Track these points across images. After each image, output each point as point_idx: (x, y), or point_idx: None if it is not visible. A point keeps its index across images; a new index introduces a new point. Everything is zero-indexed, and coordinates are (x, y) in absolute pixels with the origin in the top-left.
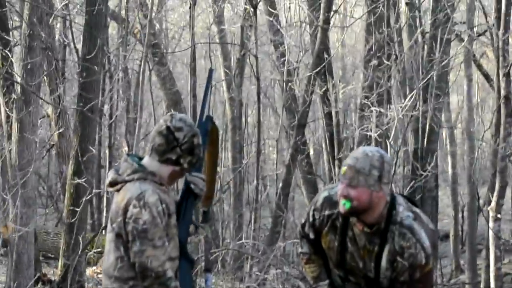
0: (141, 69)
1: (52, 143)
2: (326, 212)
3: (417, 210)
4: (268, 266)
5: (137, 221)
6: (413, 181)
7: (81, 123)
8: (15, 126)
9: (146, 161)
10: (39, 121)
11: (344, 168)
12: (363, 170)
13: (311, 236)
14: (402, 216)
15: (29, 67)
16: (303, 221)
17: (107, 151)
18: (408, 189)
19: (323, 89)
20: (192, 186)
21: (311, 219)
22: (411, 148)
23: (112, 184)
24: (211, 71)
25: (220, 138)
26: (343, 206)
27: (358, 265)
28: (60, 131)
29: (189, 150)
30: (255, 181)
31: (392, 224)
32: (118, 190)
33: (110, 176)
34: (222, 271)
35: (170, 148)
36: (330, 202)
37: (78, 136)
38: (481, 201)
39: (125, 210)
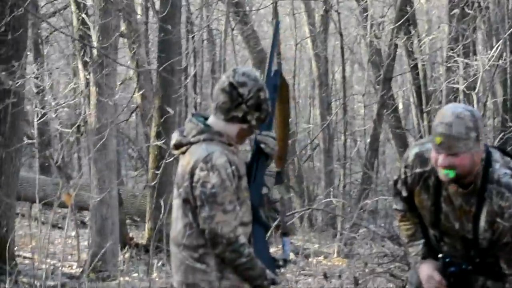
0: (224, 28)
1: (135, 105)
2: (417, 170)
3: None
4: (355, 225)
5: (205, 185)
6: (503, 133)
7: (161, 84)
8: (93, 89)
9: (211, 120)
10: (118, 84)
11: (438, 138)
12: (460, 135)
13: (404, 193)
14: (499, 174)
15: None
16: (395, 177)
17: (193, 111)
18: (498, 141)
19: (408, 42)
20: (263, 145)
21: (403, 176)
22: (500, 100)
23: (177, 146)
24: (277, 23)
25: (290, 93)
26: (447, 175)
27: (454, 226)
28: (141, 92)
29: (256, 105)
30: (342, 137)
31: (489, 183)
32: (183, 153)
33: (174, 138)
34: (309, 230)
35: (235, 105)
36: (421, 159)
37: (159, 98)
38: None
39: (192, 173)
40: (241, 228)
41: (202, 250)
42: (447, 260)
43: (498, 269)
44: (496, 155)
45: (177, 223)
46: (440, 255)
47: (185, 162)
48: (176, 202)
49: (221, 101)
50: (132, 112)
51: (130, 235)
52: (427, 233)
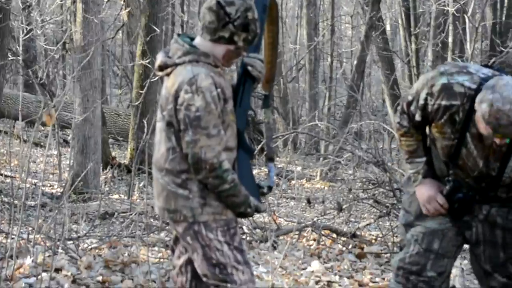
0: None
1: (121, 23)
2: (443, 102)
3: None
4: (340, 149)
5: (189, 107)
6: (494, 58)
7: (148, 2)
8: (79, 6)
9: (197, 41)
10: (104, 1)
11: (500, 136)
12: None
13: (417, 117)
14: None
15: None
16: (410, 98)
17: (179, 31)
18: (486, 64)
19: None
20: (250, 68)
21: (421, 101)
22: (489, 23)
23: (162, 67)
24: None
25: (279, 14)
26: (502, 140)
27: (476, 163)
28: (127, 10)
29: (244, 25)
30: (329, 58)
31: None
32: (168, 74)
33: (159, 59)
34: (292, 152)
35: (221, 24)
36: (450, 92)
37: (146, 16)
38: None
39: (176, 96)
40: (226, 154)
41: (185, 176)
42: (456, 184)
43: (504, 198)
44: None
45: (160, 146)
46: (449, 178)
47: (169, 84)
48: (159, 125)
49: (208, 20)
50: (118, 30)
51: (113, 154)
52: (430, 152)
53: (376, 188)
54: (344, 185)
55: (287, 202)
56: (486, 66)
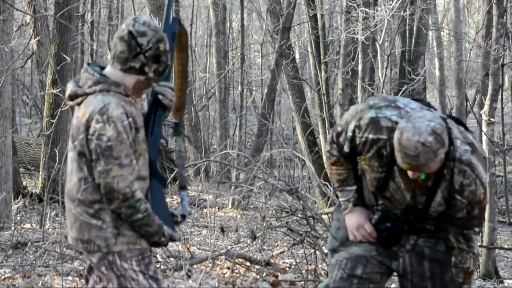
0: None
1: (31, 51)
2: (371, 136)
3: (472, 139)
4: (253, 178)
5: (101, 137)
6: (405, 86)
7: (58, 30)
8: None
9: (108, 70)
10: (14, 29)
11: (407, 166)
12: (429, 160)
13: (346, 149)
14: (460, 152)
15: None
16: (339, 129)
17: (89, 60)
18: (395, 92)
19: None
20: (160, 97)
21: (350, 133)
22: (399, 51)
23: (72, 97)
24: None
25: (189, 42)
26: (417, 176)
27: (404, 196)
28: (37, 39)
29: (155, 57)
30: (239, 87)
31: (450, 161)
32: (79, 104)
33: (69, 88)
34: (204, 181)
35: (132, 55)
36: (377, 125)
37: (56, 45)
38: (469, 103)
39: (87, 126)
40: (138, 183)
41: (98, 206)
42: (385, 214)
43: (432, 230)
44: (455, 130)
45: (72, 177)
46: (378, 208)
47: (80, 114)
48: (71, 155)
49: (119, 50)
50: (28, 59)
51: (24, 184)
52: (361, 181)
53: (289, 216)
54: (257, 213)
55: (199, 231)
56: (416, 100)
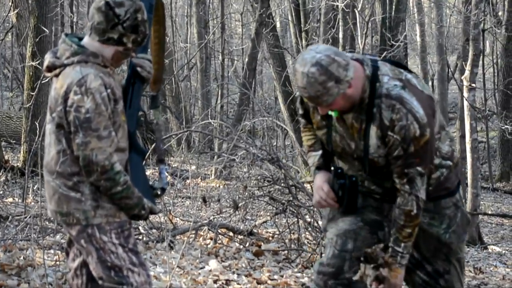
0: None
1: (10, 24)
2: None
3: (408, 75)
4: (234, 147)
5: (79, 109)
6: (385, 52)
7: (37, 2)
8: None
9: (86, 41)
10: None
11: (304, 99)
12: (318, 93)
13: (300, 111)
14: (388, 87)
15: None
16: (297, 94)
17: (69, 31)
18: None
19: None
20: (139, 69)
21: (297, 94)
22: (379, 18)
23: (50, 68)
24: None
25: (166, 14)
26: (334, 116)
27: (349, 146)
28: (16, 11)
29: (133, 27)
30: (220, 56)
31: (377, 98)
32: (57, 75)
33: (47, 59)
34: (186, 151)
35: (110, 26)
36: None
37: (35, 17)
38: (450, 69)
39: (65, 97)
40: (117, 155)
41: (77, 178)
42: (338, 171)
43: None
44: (385, 68)
45: (50, 149)
46: (332, 167)
47: (58, 85)
48: (49, 127)
49: (96, 21)
50: (7, 32)
51: (6, 157)
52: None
53: (271, 185)
54: (240, 183)
55: (182, 202)
56: (391, 62)
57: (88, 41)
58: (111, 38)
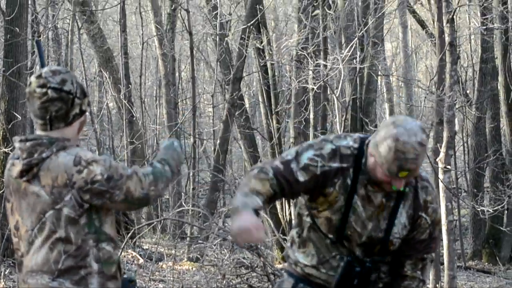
0: (70, 28)
1: None
2: (336, 165)
3: None
4: (211, 234)
5: (95, 178)
6: (356, 132)
7: (8, 87)
8: None
9: (49, 134)
10: None
11: (404, 173)
12: (422, 160)
13: (300, 177)
14: None
15: None
16: (288, 158)
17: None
18: None
19: (259, 42)
20: None
21: (306, 161)
22: (349, 98)
23: (26, 171)
24: (38, 42)
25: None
26: (402, 180)
27: (365, 227)
28: None
29: (82, 91)
30: (191, 138)
31: None
32: (33, 177)
33: (18, 164)
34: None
35: (70, 104)
36: (340, 154)
37: (6, 102)
38: None
39: (72, 184)
40: (109, 245)
41: (84, 271)
42: (349, 259)
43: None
44: None
45: (42, 251)
46: (340, 257)
47: (48, 181)
48: (36, 233)
49: (54, 110)
50: None
51: None
52: (310, 239)
53: (249, 272)
54: (217, 270)
55: (155, 285)
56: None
57: (50, 133)
58: (75, 114)
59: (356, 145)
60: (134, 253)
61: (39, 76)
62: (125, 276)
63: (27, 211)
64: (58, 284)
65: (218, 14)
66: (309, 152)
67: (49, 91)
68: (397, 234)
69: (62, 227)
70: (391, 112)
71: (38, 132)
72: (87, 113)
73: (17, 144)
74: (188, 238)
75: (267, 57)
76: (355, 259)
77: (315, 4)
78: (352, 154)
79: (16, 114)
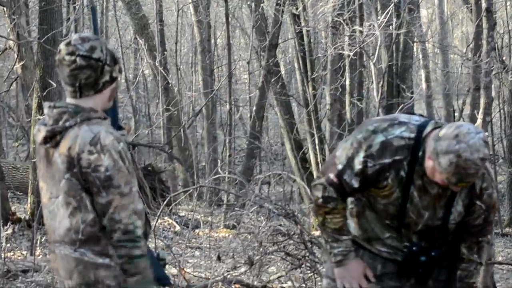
0: None
1: (15, 76)
2: (387, 161)
3: None
4: (248, 201)
5: (98, 168)
6: (393, 99)
7: (43, 55)
8: None
9: (77, 102)
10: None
11: (464, 184)
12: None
13: (355, 184)
14: None
15: None
16: (339, 167)
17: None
18: (386, 106)
19: (295, 8)
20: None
21: (359, 166)
22: (385, 65)
23: (49, 137)
24: (93, 9)
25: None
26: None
27: (421, 216)
28: (22, 63)
29: (113, 58)
30: (227, 105)
31: None
32: (56, 144)
33: (42, 131)
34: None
35: (100, 72)
36: (391, 148)
37: (41, 69)
38: (456, 114)
39: (79, 158)
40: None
41: (105, 241)
42: (414, 248)
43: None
44: None
45: (63, 221)
46: (406, 244)
47: (64, 150)
48: (60, 200)
49: (83, 78)
50: (12, 83)
51: (12, 209)
52: (359, 216)
53: (286, 240)
54: (253, 237)
55: (192, 252)
56: (409, 113)
57: (80, 101)
58: (105, 82)
59: (412, 135)
60: (170, 220)
61: (68, 43)
62: (157, 251)
63: (51, 179)
64: (79, 255)
65: None
66: (359, 156)
67: (78, 59)
68: (453, 221)
69: (76, 196)
70: (427, 79)
71: (68, 99)
72: (121, 80)
73: (46, 110)
74: (224, 205)
75: (302, 24)
76: (420, 250)
77: None
78: (407, 145)
79: (51, 81)
